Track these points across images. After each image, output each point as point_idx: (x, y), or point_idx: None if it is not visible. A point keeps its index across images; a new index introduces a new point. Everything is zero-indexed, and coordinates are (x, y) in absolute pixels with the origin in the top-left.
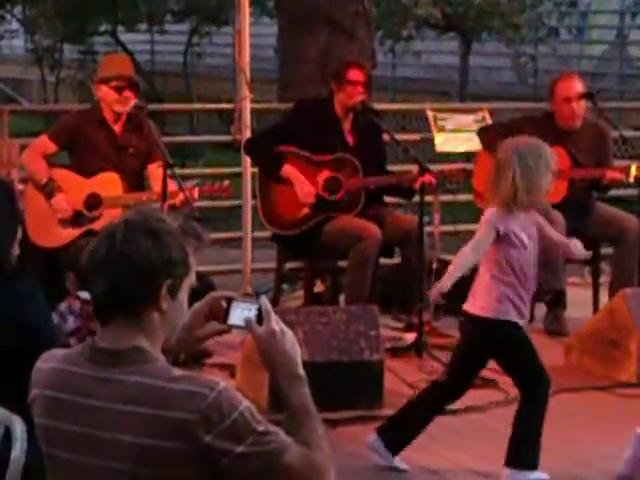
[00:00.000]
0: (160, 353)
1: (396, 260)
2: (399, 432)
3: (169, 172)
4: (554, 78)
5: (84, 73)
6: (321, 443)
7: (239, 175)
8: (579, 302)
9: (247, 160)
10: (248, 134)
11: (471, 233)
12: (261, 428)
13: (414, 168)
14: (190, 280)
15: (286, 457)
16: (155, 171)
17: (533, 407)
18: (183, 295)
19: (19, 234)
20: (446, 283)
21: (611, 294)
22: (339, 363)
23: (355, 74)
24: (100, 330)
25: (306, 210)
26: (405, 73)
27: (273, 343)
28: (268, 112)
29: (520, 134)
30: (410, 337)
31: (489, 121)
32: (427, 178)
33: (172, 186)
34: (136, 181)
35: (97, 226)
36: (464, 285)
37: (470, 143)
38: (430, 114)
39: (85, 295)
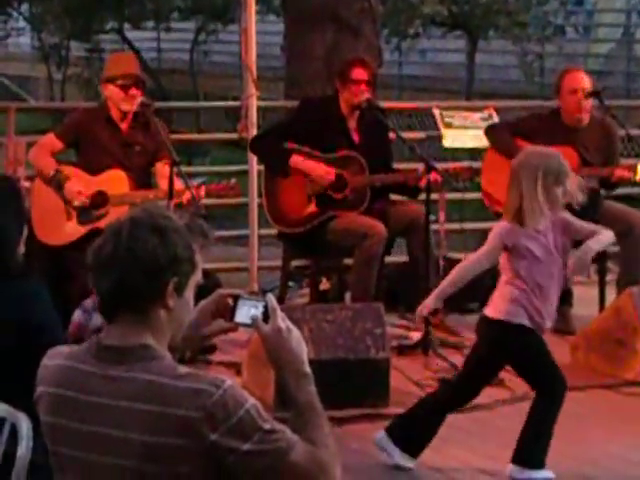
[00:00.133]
0: (166, 351)
1: (403, 258)
2: (409, 431)
3: (176, 170)
4: (561, 71)
5: (91, 71)
6: (327, 441)
7: (245, 173)
8: (585, 300)
9: (253, 158)
10: (254, 132)
11: (477, 231)
12: (267, 426)
13: (420, 166)
14: (196, 278)
15: (292, 455)
16: (162, 169)
17: (547, 406)
18: (189, 293)
19: (25, 232)
20: (433, 301)
21: (619, 289)
22: (345, 361)
23: (358, 72)
24: (106, 327)
25: (312, 208)
26: (411, 71)
27: (279, 341)
28: (274, 110)
29: (527, 132)
30: (416, 335)
31: (496, 119)
32: (433, 176)
33: (179, 184)
34: (143, 179)
35: (103, 224)
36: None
37: (477, 140)
38: (437, 112)
39: None
